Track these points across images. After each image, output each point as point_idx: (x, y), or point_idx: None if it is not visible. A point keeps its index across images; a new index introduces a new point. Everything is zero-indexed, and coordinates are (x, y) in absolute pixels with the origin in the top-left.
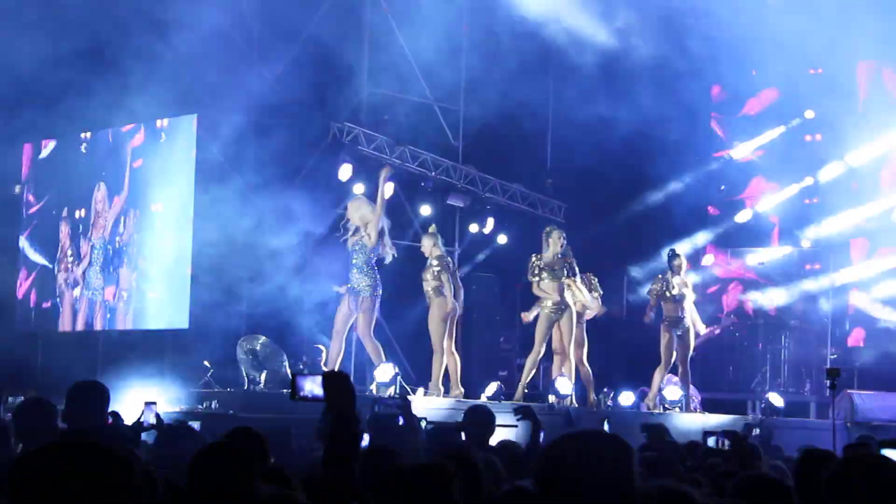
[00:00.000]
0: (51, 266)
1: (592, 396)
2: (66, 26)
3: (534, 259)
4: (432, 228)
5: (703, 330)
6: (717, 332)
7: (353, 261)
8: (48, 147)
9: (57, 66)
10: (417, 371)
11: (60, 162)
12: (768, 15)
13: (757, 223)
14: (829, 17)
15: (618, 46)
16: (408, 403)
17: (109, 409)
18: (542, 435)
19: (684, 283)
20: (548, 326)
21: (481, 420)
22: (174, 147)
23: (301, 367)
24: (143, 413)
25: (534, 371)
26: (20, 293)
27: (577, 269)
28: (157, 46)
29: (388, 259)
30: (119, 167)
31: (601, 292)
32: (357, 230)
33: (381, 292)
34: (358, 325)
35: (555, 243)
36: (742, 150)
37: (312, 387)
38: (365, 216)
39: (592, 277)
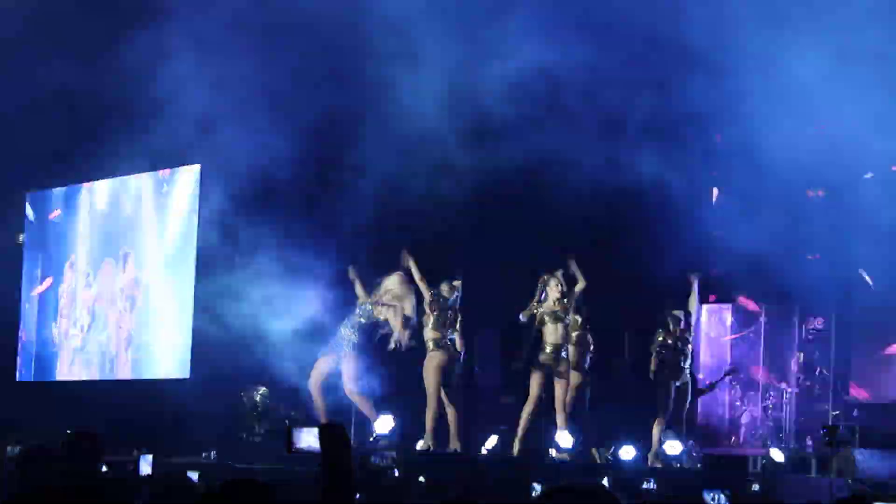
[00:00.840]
0: (54, 313)
1: (591, 452)
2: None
3: (534, 307)
4: (456, 283)
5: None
6: (716, 388)
7: (353, 317)
8: (53, 193)
9: (58, 117)
10: (416, 425)
11: (63, 208)
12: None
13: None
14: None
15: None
16: (403, 457)
17: (105, 459)
18: None
19: (684, 337)
20: (545, 373)
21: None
22: (176, 196)
23: (297, 417)
24: (138, 462)
25: (529, 422)
26: (20, 341)
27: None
28: (165, 98)
29: (404, 346)
30: (119, 216)
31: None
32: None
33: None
34: (344, 382)
35: (553, 289)
36: None
37: (309, 439)
38: (398, 295)
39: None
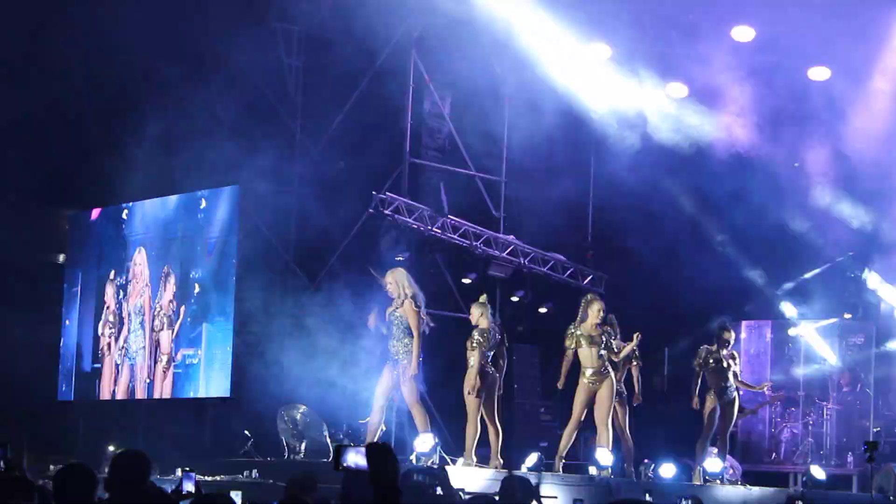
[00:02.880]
0: (93, 331)
1: (631, 468)
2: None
3: (571, 328)
4: (482, 298)
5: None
6: (760, 409)
7: (393, 330)
8: (94, 215)
9: (98, 135)
10: (458, 442)
11: (103, 229)
12: None
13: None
14: None
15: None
16: (445, 474)
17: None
18: None
19: (731, 354)
20: (587, 396)
21: (519, 490)
22: (215, 217)
23: (342, 437)
24: (181, 482)
25: (571, 441)
26: (61, 360)
27: (617, 339)
28: (199, 118)
29: (426, 330)
30: (160, 235)
31: (640, 363)
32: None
33: (422, 358)
34: (405, 393)
35: (594, 313)
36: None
37: (356, 458)
38: (406, 287)
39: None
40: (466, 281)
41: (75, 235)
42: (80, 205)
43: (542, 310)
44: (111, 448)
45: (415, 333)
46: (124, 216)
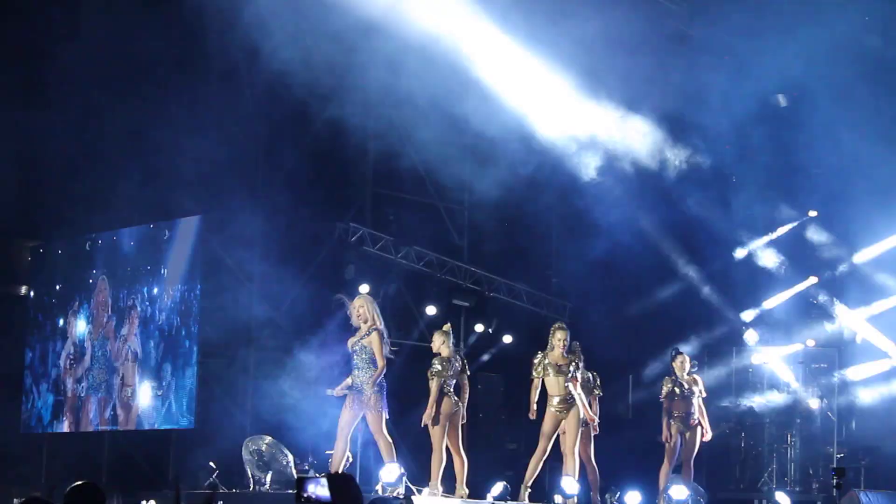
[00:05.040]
0: (57, 362)
1: (596, 497)
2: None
3: (538, 356)
4: (446, 327)
5: (708, 435)
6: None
7: (355, 360)
8: (54, 248)
9: (62, 168)
10: (424, 471)
11: (65, 260)
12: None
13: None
14: None
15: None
16: (411, 503)
17: None
18: None
19: (693, 380)
20: (554, 424)
21: None
22: (178, 247)
23: (307, 467)
24: None
25: (538, 470)
26: (24, 391)
27: (580, 368)
28: (164, 147)
29: (391, 357)
30: (123, 266)
31: (601, 393)
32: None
33: (385, 388)
34: (370, 422)
35: (558, 342)
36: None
37: (318, 488)
38: (375, 317)
39: (594, 377)
40: (430, 310)
41: (37, 266)
42: (42, 236)
43: (507, 339)
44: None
45: (379, 364)
46: (87, 247)
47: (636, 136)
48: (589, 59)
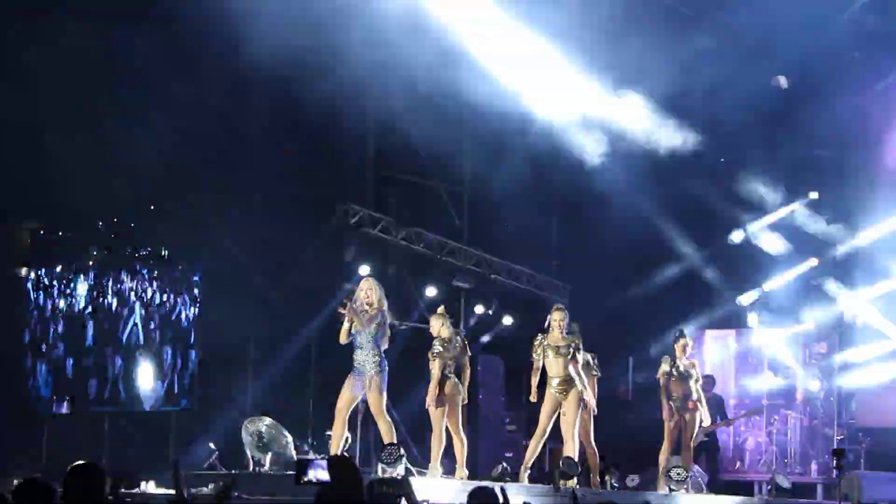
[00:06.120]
0: (56, 344)
1: (596, 478)
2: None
3: (539, 338)
4: (440, 310)
5: (707, 420)
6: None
7: (358, 340)
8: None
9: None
10: (424, 453)
11: (65, 241)
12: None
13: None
14: None
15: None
16: (410, 485)
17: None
18: None
19: (691, 363)
20: (553, 406)
21: (485, 502)
22: (179, 227)
23: (307, 449)
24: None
25: (538, 452)
26: (25, 373)
27: (580, 349)
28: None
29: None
30: (123, 247)
31: (599, 374)
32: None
33: (387, 369)
34: (371, 404)
35: (556, 323)
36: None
37: (318, 471)
38: (380, 301)
39: (593, 359)
40: (430, 292)
41: (37, 247)
42: (42, 217)
43: (507, 321)
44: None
45: (383, 346)
46: (88, 228)
47: (636, 117)
48: (587, 37)
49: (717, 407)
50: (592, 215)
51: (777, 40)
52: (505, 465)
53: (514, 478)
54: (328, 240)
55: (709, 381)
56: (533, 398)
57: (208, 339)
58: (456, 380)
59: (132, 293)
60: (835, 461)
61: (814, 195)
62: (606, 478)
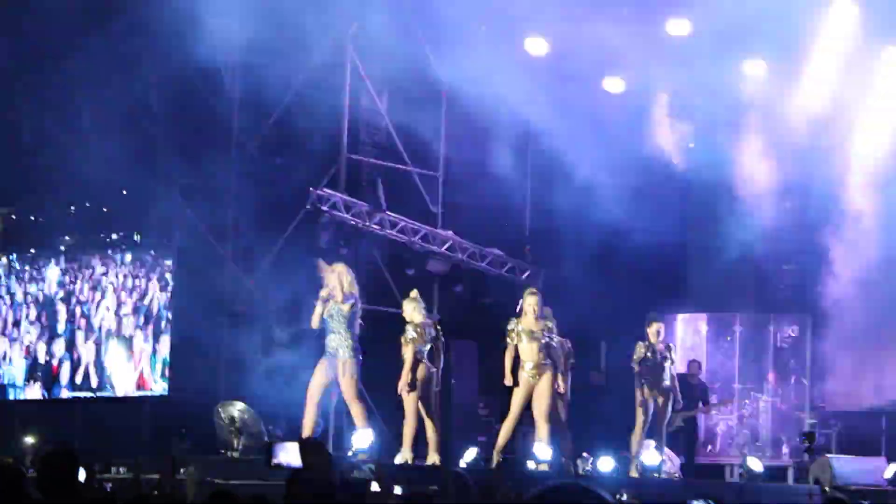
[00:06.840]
0: (29, 328)
1: (569, 463)
2: None
3: (511, 323)
4: (413, 293)
5: (679, 404)
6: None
7: (330, 324)
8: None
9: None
10: (397, 437)
11: (38, 226)
12: None
13: None
14: None
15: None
16: (383, 470)
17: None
18: None
19: (667, 346)
20: (526, 390)
21: (458, 488)
22: (152, 213)
23: (280, 433)
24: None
25: (510, 436)
26: None
27: (554, 333)
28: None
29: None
30: (96, 232)
31: (573, 360)
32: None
33: (360, 355)
34: (343, 388)
35: (529, 307)
36: None
37: (288, 454)
38: (347, 285)
39: (565, 343)
40: (404, 277)
41: (10, 233)
42: (14, 202)
43: (481, 305)
44: (30, 440)
45: (354, 331)
46: (60, 214)
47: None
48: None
49: (702, 392)
50: (565, 200)
51: None
52: (478, 449)
53: (487, 462)
54: (301, 225)
55: (694, 365)
56: (508, 382)
57: (180, 325)
58: (429, 364)
59: (104, 278)
60: (806, 444)
61: None
62: (579, 462)
